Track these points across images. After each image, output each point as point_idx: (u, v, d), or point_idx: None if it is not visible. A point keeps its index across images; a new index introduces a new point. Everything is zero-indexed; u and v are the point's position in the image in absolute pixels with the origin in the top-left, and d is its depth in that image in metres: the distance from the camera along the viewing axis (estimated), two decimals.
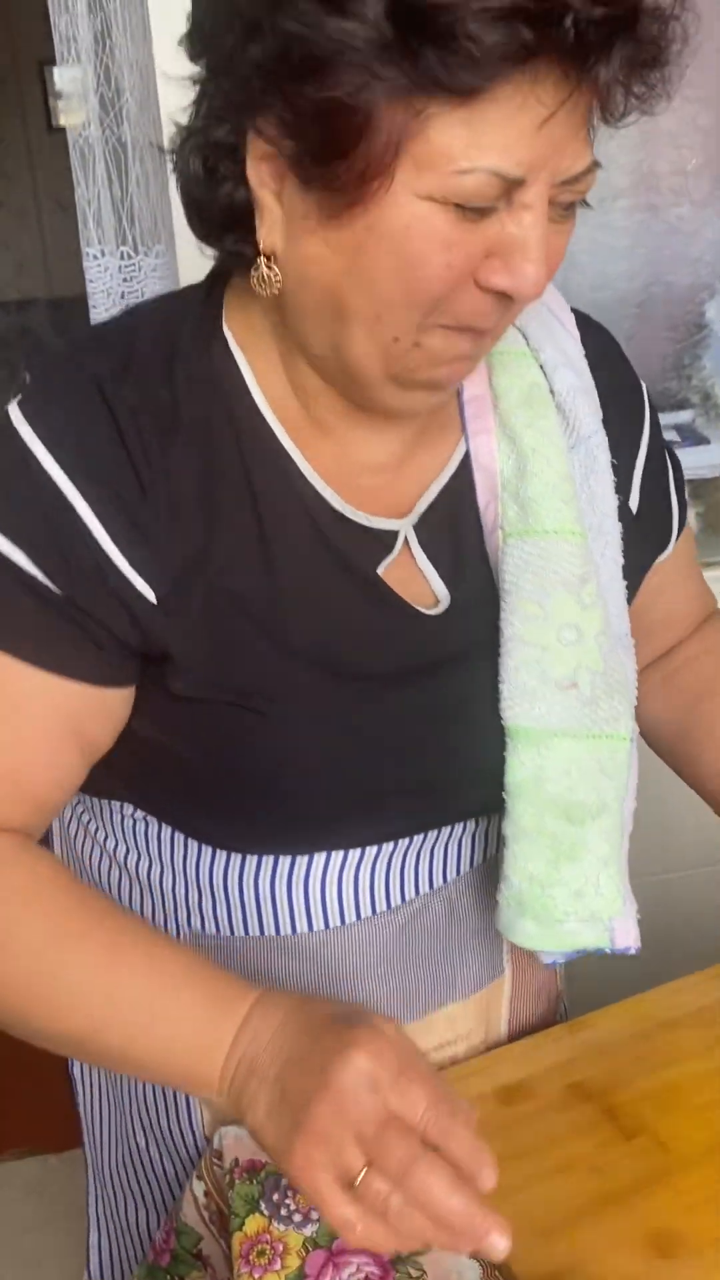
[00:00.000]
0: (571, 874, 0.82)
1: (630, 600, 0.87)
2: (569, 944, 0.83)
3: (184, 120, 0.72)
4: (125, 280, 1.57)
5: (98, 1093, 0.99)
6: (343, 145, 0.63)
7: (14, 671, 0.73)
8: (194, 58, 0.70)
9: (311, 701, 0.77)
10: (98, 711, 0.76)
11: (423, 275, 0.65)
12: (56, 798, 0.78)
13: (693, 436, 1.82)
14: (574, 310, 0.89)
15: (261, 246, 0.70)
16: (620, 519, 0.84)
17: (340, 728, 0.79)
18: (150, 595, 0.74)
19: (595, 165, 0.67)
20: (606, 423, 0.85)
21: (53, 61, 1.44)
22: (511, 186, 0.64)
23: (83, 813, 0.91)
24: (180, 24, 0.71)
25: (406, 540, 0.80)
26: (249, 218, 0.70)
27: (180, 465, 0.74)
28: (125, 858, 0.88)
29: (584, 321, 0.89)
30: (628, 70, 0.63)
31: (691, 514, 1.80)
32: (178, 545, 0.74)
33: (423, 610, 0.80)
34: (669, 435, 1.79)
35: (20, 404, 0.74)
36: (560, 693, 0.80)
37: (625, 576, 0.85)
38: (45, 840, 0.92)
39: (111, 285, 1.58)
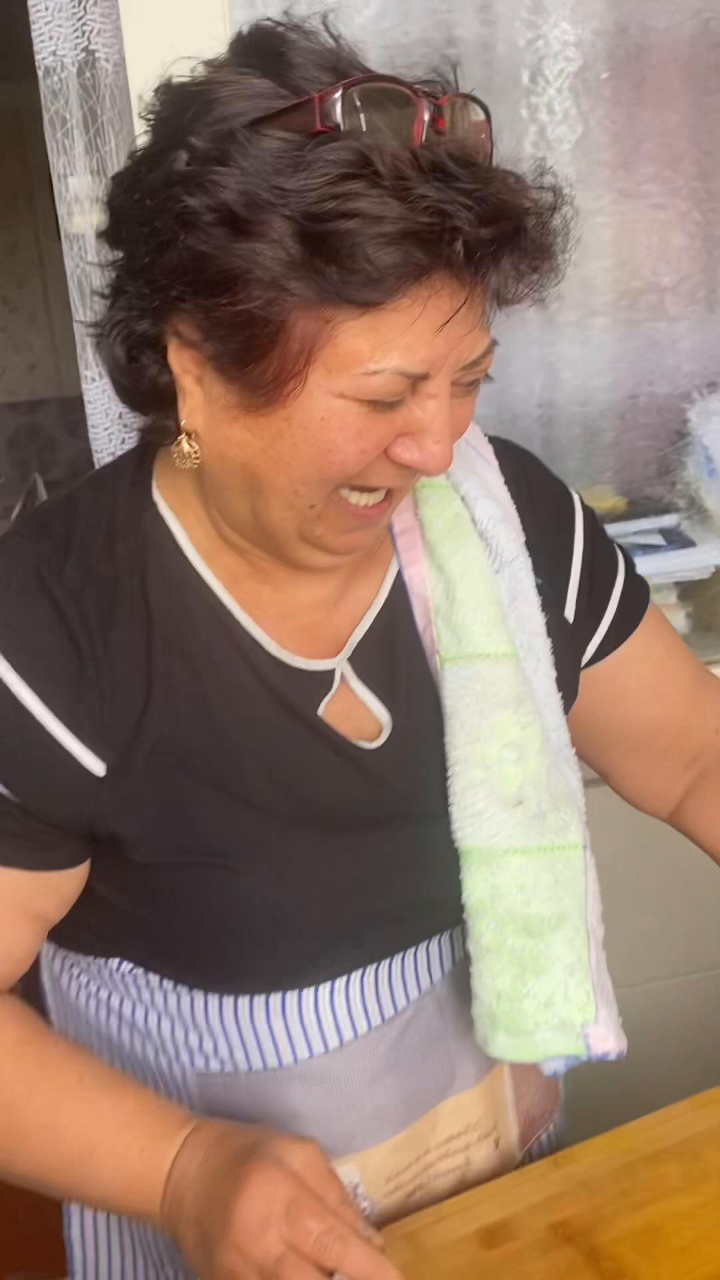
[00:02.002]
0: (539, 986, 0.84)
1: (568, 708, 0.91)
2: (542, 1053, 0.85)
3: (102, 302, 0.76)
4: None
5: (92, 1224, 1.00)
6: (257, 352, 0.68)
7: None
8: (114, 247, 0.75)
9: (270, 851, 0.81)
10: (50, 892, 0.81)
11: (337, 460, 0.72)
12: (8, 970, 0.82)
13: (679, 540, 1.85)
14: (491, 438, 0.96)
15: (183, 425, 0.75)
16: (551, 634, 0.89)
17: (304, 874, 0.82)
18: (98, 768, 0.78)
19: (493, 345, 0.74)
20: (533, 542, 0.91)
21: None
22: (416, 380, 0.70)
23: (76, 970, 0.93)
24: None
25: (343, 676, 0.85)
26: (172, 398, 0.74)
27: (122, 637, 0.79)
28: (121, 1007, 0.91)
29: (502, 448, 0.96)
30: (517, 271, 0.70)
31: (681, 614, 1.84)
32: (121, 716, 0.78)
33: (364, 745, 0.84)
34: (654, 540, 1.83)
35: None
36: (508, 810, 0.84)
37: (560, 688, 0.90)
38: (37, 990, 0.95)
39: (109, 405, 1.63)
